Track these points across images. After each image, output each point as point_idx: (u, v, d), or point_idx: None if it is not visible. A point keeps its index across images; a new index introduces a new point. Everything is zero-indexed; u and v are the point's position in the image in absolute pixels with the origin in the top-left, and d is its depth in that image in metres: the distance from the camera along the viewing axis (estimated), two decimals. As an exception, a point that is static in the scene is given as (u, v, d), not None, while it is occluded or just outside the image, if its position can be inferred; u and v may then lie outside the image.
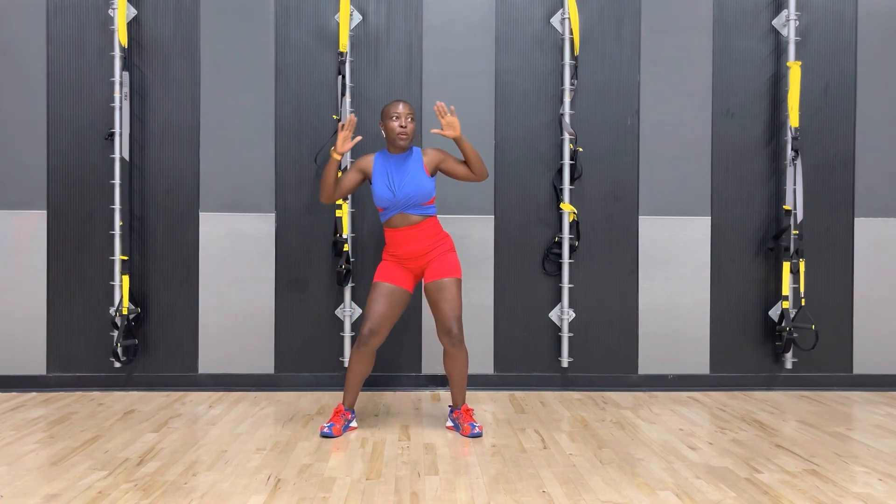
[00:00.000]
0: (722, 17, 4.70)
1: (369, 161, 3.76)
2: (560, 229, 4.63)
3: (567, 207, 4.58)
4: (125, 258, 4.45)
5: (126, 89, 4.43)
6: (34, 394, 4.45)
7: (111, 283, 4.49)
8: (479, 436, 3.62)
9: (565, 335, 4.62)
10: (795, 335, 4.57)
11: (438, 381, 4.62)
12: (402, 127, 3.65)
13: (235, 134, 4.58)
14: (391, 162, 3.72)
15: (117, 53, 4.42)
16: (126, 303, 4.41)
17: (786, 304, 4.56)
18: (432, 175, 3.74)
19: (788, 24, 4.61)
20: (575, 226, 4.61)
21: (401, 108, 3.67)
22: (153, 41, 4.57)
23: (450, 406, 3.84)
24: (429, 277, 3.70)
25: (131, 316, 4.46)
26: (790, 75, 4.55)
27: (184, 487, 2.90)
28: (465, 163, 3.73)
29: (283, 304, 4.60)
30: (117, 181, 4.42)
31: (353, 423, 3.75)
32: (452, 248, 3.79)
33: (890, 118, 4.74)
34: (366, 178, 3.78)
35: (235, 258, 4.58)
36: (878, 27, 4.73)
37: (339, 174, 3.97)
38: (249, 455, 3.31)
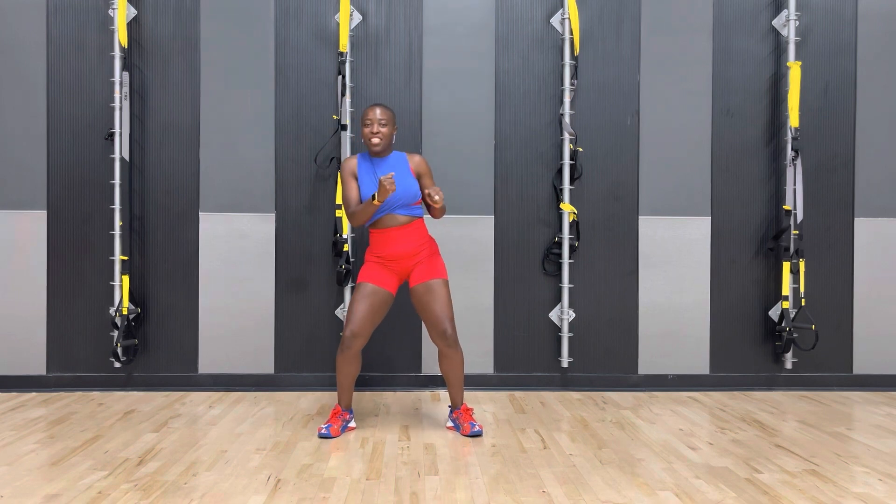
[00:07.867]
0: (722, 17, 4.70)
1: (353, 163, 3.72)
2: (560, 229, 4.63)
3: (567, 207, 4.58)
4: (125, 258, 4.45)
5: (126, 89, 4.43)
6: (34, 394, 4.45)
7: (111, 283, 4.49)
8: (479, 434, 3.62)
9: (565, 335, 4.61)
10: (795, 335, 4.57)
11: (438, 381, 4.62)
12: (372, 133, 3.63)
13: (235, 134, 4.58)
14: (375, 164, 3.70)
15: (117, 53, 4.42)
16: (126, 303, 4.41)
17: (786, 304, 4.56)
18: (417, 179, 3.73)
19: (788, 24, 4.61)
20: (575, 226, 4.61)
21: (373, 113, 3.64)
22: (153, 41, 4.57)
23: (449, 406, 3.84)
24: (416, 280, 3.67)
25: (131, 316, 4.46)
26: (790, 75, 4.55)
27: (184, 487, 2.90)
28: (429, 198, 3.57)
29: (283, 304, 4.60)
30: (117, 181, 4.42)
31: (352, 423, 3.75)
32: (438, 252, 3.78)
33: (890, 118, 4.74)
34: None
35: (235, 258, 4.58)
36: (878, 27, 4.73)
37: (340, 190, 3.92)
38: (249, 455, 3.31)
